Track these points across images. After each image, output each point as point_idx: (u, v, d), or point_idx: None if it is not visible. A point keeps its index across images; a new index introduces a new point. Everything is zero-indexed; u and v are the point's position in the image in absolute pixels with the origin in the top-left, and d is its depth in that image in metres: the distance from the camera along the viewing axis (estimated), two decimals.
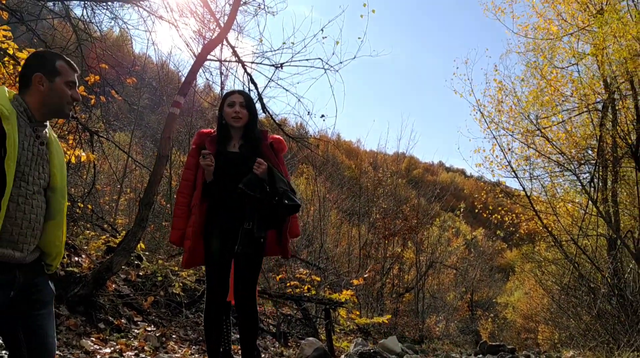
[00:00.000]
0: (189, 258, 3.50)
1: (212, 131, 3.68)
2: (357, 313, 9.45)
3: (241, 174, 3.35)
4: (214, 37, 6.94)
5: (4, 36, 6.73)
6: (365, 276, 10.97)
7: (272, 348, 6.84)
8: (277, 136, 3.76)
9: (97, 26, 6.80)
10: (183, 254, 3.61)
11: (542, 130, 11.20)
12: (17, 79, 6.81)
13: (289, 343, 7.29)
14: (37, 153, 2.13)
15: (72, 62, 2.27)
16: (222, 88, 8.26)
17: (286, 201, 3.31)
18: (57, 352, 4.06)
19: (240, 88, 7.57)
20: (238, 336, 3.64)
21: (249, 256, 3.38)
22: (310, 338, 5.51)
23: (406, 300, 14.14)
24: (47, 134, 2.24)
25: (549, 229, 11.38)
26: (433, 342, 11.37)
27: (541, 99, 11.11)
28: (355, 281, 9.90)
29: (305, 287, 8.27)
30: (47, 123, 2.26)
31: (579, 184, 11.26)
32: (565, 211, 11.93)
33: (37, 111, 2.15)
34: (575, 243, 10.56)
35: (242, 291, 3.42)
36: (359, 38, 7.49)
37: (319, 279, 9.21)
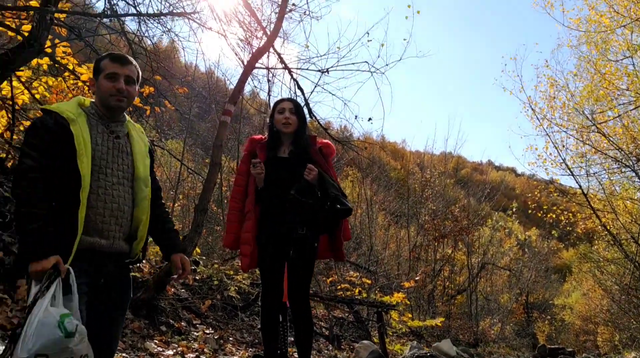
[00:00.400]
0: (250, 261, 3.57)
1: (263, 137, 3.77)
2: (410, 316, 9.38)
3: (292, 180, 3.41)
4: (261, 45, 7.07)
5: (64, 52, 7.08)
6: (416, 278, 10.86)
7: (325, 351, 6.89)
8: (326, 141, 3.81)
9: (150, 40, 7.05)
10: (242, 258, 3.69)
11: (598, 126, 10.80)
12: (80, 91, 7.14)
13: (342, 346, 7.32)
14: (113, 147, 2.30)
15: (120, 55, 2.39)
16: (269, 95, 8.40)
17: (338, 206, 3.35)
18: (124, 355, 4.24)
19: (287, 94, 7.70)
20: (293, 338, 3.71)
21: (302, 260, 3.44)
22: (365, 342, 5.52)
23: (458, 303, 13.87)
24: (126, 129, 2.41)
25: (608, 227, 10.95)
26: (488, 345, 11.12)
27: (596, 93, 10.73)
28: (406, 284, 9.83)
29: (357, 290, 8.27)
30: (127, 118, 2.44)
31: (638, 180, 10.79)
32: (624, 209, 11.45)
33: (102, 109, 2.34)
34: (636, 241, 10.13)
35: (296, 295, 3.48)
36: (405, 39, 7.46)
37: (369, 282, 9.21)
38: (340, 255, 3.69)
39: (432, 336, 10.17)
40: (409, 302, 9.78)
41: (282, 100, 3.73)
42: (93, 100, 2.38)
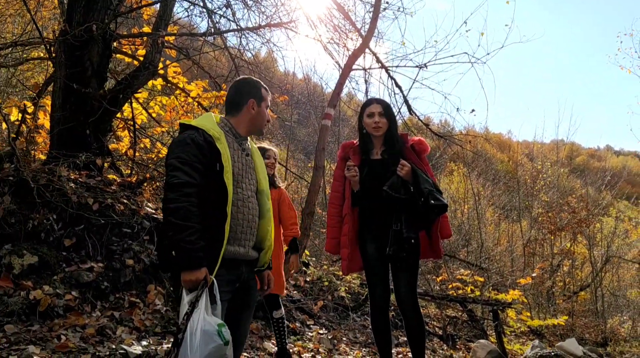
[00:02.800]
0: (348, 264, 3.62)
1: (355, 142, 3.76)
2: (528, 314, 8.91)
3: (386, 180, 3.38)
4: (356, 47, 7.11)
5: (174, 72, 7.60)
6: (533, 275, 10.28)
7: (440, 351, 6.75)
8: (418, 138, 3.72)
9: (250, 52, 7.37)
10: (342, 261, 3.75)
11: None
12: (190, 107, 7.52)
13: (457, 346, 7.13)
14: (246, 163, 2.50)
15: (267, 87, 2.66)
16: (366, 95, 8.42)
17: (432, 202, 3.27)
18: (245, 354, 4.45)
19: (386, 92, 7.68)
20: (407, 338, 3.67)
21: (402, 258, 3.38)
22: (482, 341, 5.33)
23: (582, 299, 12.91)
24: (250, 146, 2.61)
25: None
26: (619, 344, 10.23)
27: None
28: (522, 281, 9.35)
29: (468, 288, 8.02)
30: (248, 137, 2.63)
31: None
32: None
33: (242, 128, 2.54)
34: None
35: (402, 294, 3.44)
36: (506, 25, 7.14)
37: (482, 280, 8.87)
38: (438, 251, 3.59)
39: (554, 335, 9.55)
40: (526, 300, 9.29)
41: (370, 102, 3.68)
42: (223, 117, 2.57)
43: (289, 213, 4.33)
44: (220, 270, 2.24)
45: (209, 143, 2.30)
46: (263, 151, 4.27)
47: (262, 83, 2.63)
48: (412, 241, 3.37)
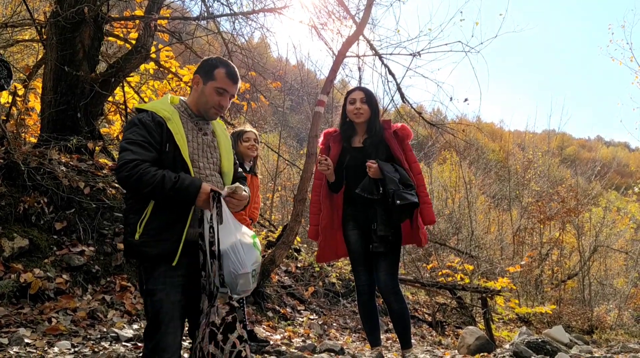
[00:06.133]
0: (320, 252, 3.68)
1: (337, 129, 3.75)
2: (516, 302, 9.02)
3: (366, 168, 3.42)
4: (350, 34, 7.07)
5: (167, 56, 7.54)
6: (522, 263, 10.38)
7: (429, 337, 6.83)
8: (401, 124, 3.73)
9: (243, 38, 7.31)
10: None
11: None
12: (183, 92, 7.50)
13: (446, 332, 7.22)
14: (203, 142, 2.40)
15: (234, 72, 2.43)
16: (359, 82, 8.39)
17: (398, 202, 3.27)
18: None
19: (379, 80, 7.67)
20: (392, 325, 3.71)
21: (383, 252, 3.42)
22: (470, 327, 5.40)
23: (569, 287, 13.06)
24: (212, 126, 2.50)
25: None
26: (605, 332, 10.40)
27: None
28: (511, 269, 9.44)
29: (458, 276, 8.09)
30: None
31: None
32: None
33: (193, 107, 2.42)
34: None
35: (382, 281, 3.47)
36: (501, 14, 7.14)
37: (471, 267, 8.95)
38: (418, 239, 3.60)
39: (542, 323, 9.69)
40: (514, 288, 9.40)
41: (353, 90, 3.70)
42: (182, 98, 2.47)
43: (256, 199, 4.35)
44: (180, 258, 2.18)
45: (159, 123, 2.24)
46: (241, 133, 4.22)
47: (227, 65, 2.43)
48: (390, 238, 3.41)
